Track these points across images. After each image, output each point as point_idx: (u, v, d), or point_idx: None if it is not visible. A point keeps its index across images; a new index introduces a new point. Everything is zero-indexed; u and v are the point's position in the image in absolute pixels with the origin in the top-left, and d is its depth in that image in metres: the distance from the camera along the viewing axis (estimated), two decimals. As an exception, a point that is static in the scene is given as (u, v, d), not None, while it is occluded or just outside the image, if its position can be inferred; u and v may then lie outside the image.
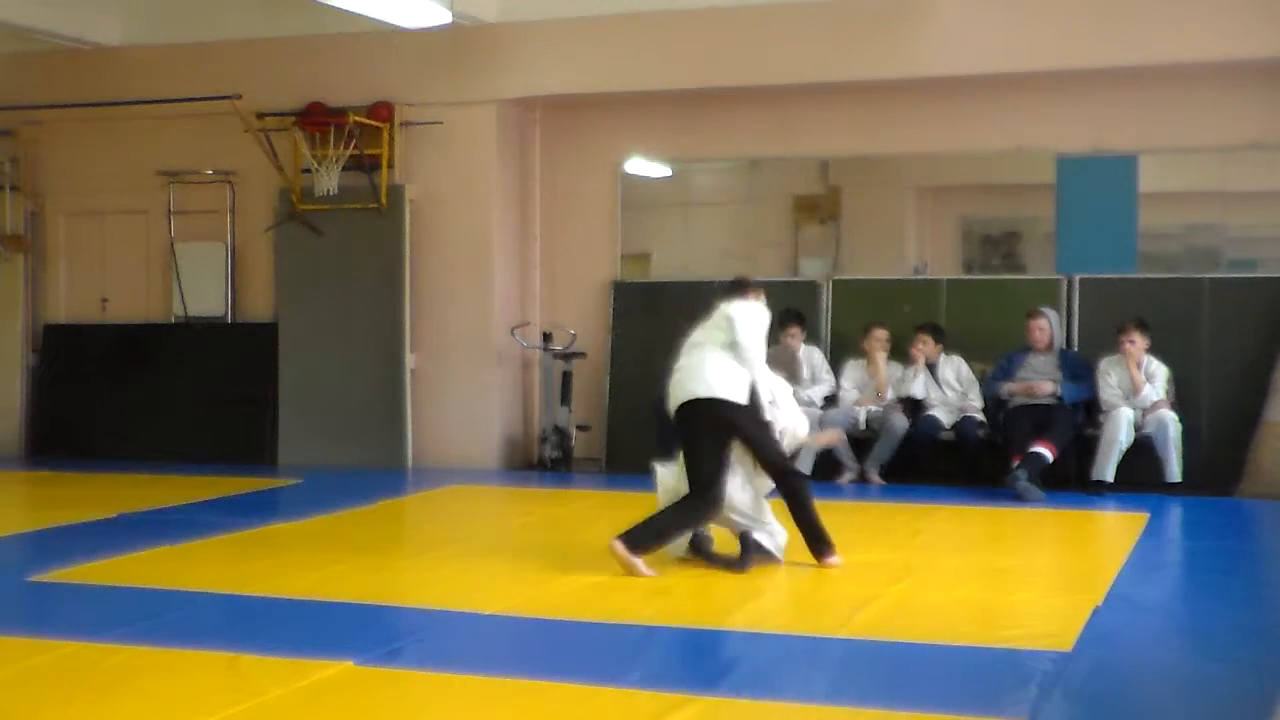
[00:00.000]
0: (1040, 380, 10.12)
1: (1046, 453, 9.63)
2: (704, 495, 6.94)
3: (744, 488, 7.09)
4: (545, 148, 11.87)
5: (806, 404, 10.60)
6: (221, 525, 8.43)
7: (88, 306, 12.67)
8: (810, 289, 11.16)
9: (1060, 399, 10.02)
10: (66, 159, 12.64)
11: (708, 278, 10.96)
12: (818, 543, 7.15)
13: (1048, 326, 10.20)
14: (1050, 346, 10.21)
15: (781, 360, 10.39)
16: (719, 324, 7.17)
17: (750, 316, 7.15)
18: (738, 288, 7.33)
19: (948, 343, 10.56)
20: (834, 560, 7.13)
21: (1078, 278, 10.58)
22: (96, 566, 7.20)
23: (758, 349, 7.11)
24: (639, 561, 6.88)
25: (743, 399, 7.03)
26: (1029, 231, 11.25)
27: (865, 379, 10.65)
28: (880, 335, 10.60)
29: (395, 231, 11.53)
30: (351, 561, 7.39)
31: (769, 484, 7.19)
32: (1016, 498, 9.43)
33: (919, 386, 10.47)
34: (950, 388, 10.43)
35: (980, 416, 10.28)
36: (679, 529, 7.07)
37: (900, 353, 10.65)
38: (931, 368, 10.50)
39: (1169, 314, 10.24)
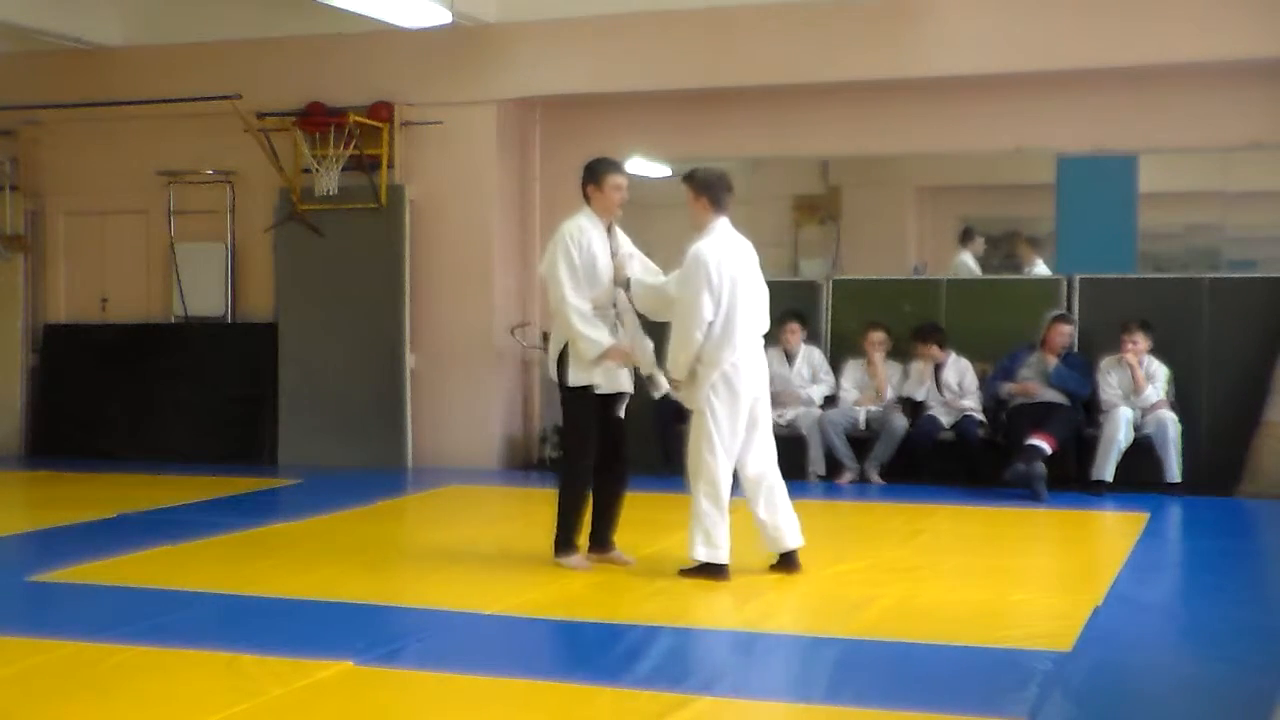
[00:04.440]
0: (1039, 380, 10.12)
1: (1045, 445, 9.62)
2: (570, 466, 7.16)
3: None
4: (545, 148, 11.86)
5: (805, 403, 10.63)
6: (221, 525, 8.43)
7: (88, 306, 12.67)
8: (810, 289, 11.16)
9: (1063, 394, 10.02)
10: (66, 159, 12.64)
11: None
12: (558, 541, 7.16)
13: (1072, 332, 10.22)
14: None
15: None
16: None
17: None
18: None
19: (951, 343, 10.52)
20: (567, 563, 7.07)
21: (1078, 278, 10.58)
22: (96, 566, 7.20)
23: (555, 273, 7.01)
24: (574, 560, 7.07)
25: (562, 373, 7.04)
26: (1029, 231, 11.25)
27: (865, 379, 10.65)
28: (877, 338, 10.60)
29: (395, 231, 11.53)
30: (352, 561, 7.40)
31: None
32: (1021, 483, 9.42)
33: (922, 391, 10.45)
34: (949, 389, 10.41)
35: (980, 416, 10.28)
36: (572, 507, 7.11)
37: (900, 353, 10.65)
38: (938, 367, 10.48)
39: (1169, 314, 10.24)
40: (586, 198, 7.19)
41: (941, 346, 10.47)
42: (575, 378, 7.03)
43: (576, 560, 7.10)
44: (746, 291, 6.89)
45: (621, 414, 7.19)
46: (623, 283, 7.16)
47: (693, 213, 7.01)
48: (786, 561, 7.00)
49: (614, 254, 7.16)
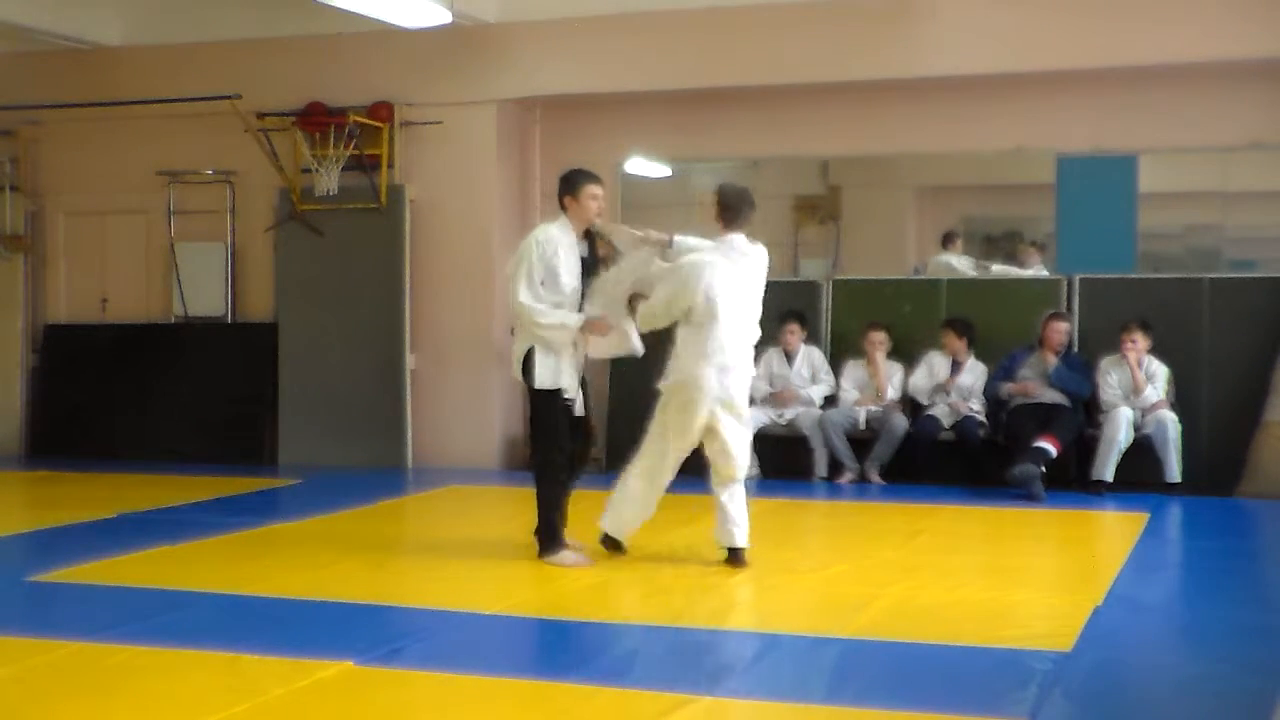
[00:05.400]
0: (1039, 381, 10.12)
1: (1050, 447, 9.63)
2: (543, 465, 7.22)
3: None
4: (545, 148, 11.86)
5: (805, 403, 10.63)
6: (221, 525, 8.43)
7: (88, 306, 12.67)
8: (810, 289, 11.17)
9: (1064, 394, 10.01)
10: (66, 159, 12.64)
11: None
12: (541, 536, 7.20)
13: (1069, 329, 10.22)
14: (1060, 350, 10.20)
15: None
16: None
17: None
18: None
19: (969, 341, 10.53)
20: (554, 559, 7.11)
21: (1078, 278, 10.58)
22: (96, 566, 7.20)
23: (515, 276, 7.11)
24: (565, 556, 7.11)
25: (528, 375, 7.11)
26: (1029, 231, 11.25)
27: (865, 379, 10.65)
28: (878, 338, 10.60)
29: (395, 231, 11.53)
30: (351, 561, 7.40)
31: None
32: (1018, 484, 9.43)
33: (929, 387, 10.42)
34: (959, 390, 10.38)
35: (980, 417, 10.28)
36: (552, 506, 7.18)
37: (900, 352, 10.65)
38: (955, 364, 10.46)
39: (1169, 314, 10.23)
40: (563, 207, 7.28)
41: (969, 345, 10.46)
42: (541, 380, 7.13)
43: (565, 556, 7.13)
44: (731, 307, 6.99)
45: (581, 411, 7.30)
46: (664, 242, 7.26)
47: (714, 218, 7.23)
48: (732, 556, 7.10)
49: (604, 258, 7.32)
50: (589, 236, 7.31)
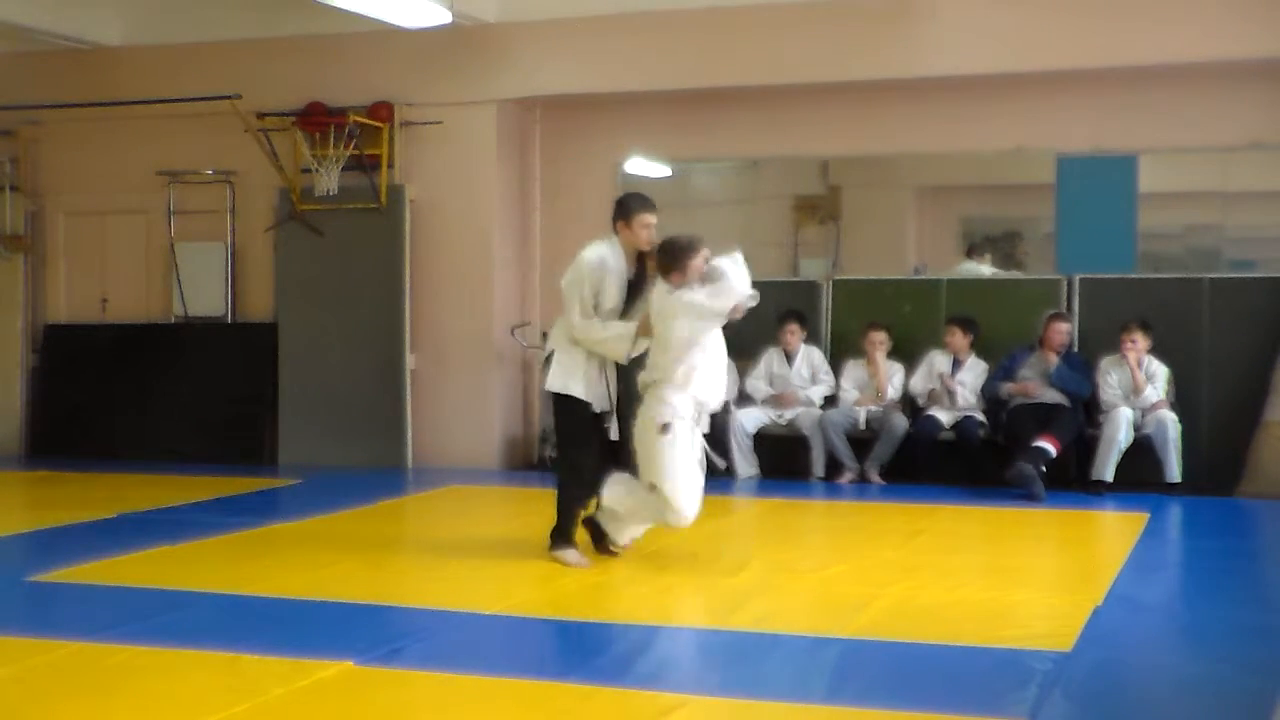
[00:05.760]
0: (1039, 381, 10.12)
1: (1050, 447, 9.63)
2: (564, 465, 7.41)
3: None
4: (545, 148, 11.87)
5: (805, 403, 10.63)
6: (221, 525, 8.43)
7: (88, 306, 12.67)
8: (810, 289, 11.17)
9: (1064, 394, 10.01)
10: (66, 159, 12.64)
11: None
12: (553, 533, 7.28)
13: (1070, 330, 10.22)
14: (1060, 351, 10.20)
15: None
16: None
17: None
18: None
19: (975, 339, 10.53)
20: (558, 555, 7.18)
21: (1078, 278, 10.58)
22: (96, 566, 7.20)
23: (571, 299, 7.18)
24: (569, 555, 7.18)
25: (560, 385, 7.17)
26: (1029, 231, 11.26)
27: (865, 379, 10.65)
28: (878, 338, 10.59)
29: (395, 231, 11.53)
30: (351, 561, 7.40)
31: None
32: (1017, 484, 9.43)
33: (928, 385, 10.42)
34: (960, 387, 10.39)
35: (980, 416, 10.28)
36: (568, 505, 7.26)
37: (900, 352, 10.65)
38: (956, 362, 10.46)
39: (1169, 314, 10.24)
40: (615, 230, 7.32)
41: (973, 343, 10.46)
42: (551, 383, 7.25)
43: (569, 554, 7.15)
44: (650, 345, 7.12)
45: (614, 434, 7.26)
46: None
47: None
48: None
49: (654, 274, 7.32)
50: (639, 258, 7.30)
